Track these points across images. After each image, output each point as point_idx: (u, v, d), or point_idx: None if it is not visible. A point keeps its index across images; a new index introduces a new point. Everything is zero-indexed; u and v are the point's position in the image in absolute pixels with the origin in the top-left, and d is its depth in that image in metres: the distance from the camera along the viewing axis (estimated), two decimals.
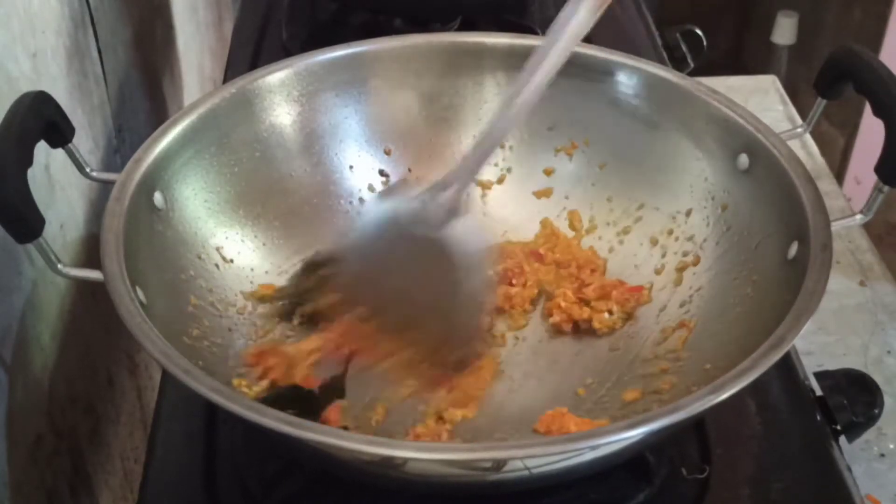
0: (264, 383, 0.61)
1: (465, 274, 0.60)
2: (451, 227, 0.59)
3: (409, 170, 0.76)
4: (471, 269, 0.60)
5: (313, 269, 0.67)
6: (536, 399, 0.63)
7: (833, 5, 1.99)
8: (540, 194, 0.75)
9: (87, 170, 0.63)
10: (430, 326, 0.61)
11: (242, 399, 0.50)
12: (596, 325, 0.67)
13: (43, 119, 0.58)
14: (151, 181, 0.63)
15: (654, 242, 0.70)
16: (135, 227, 0.59)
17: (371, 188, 0.75)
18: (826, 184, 1.00)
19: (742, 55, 2.38)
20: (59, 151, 0.62)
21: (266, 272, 0.69)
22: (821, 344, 0.83)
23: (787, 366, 0.67)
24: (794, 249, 0.59)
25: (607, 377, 0.64)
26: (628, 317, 0.67)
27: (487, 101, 0.76)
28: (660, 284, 0.69)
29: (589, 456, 0.50)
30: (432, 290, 0.61)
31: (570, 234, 0.73)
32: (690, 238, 0.68)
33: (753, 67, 2.28)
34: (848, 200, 1.01)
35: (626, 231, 0.72)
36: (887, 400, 0.67)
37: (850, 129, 1.75)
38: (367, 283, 0.63)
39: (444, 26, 0.95)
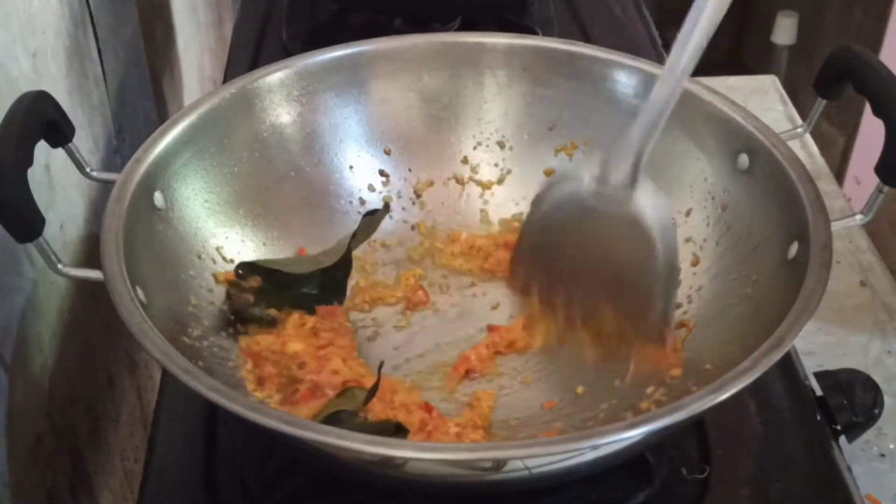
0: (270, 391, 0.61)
1: (652, 247, 0.61)
2: (632, 202, 0.61)
3: (410, 170, 0.76)
4: (658, 241, 0.61)
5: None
6: (536, 395, 0.63)
7: (833, 5, 1.99)
8: None
9: (87, 170, 0.63)
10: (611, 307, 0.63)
11: (242, 399, 0.50)
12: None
13: (43, 119, 0.58)
14: (151, 181, 0.63)
15: None
16: (135, 227, 0.59)
17: (371, 188, 0.75)
18: (826, 184, 1.00)
19: (742, 55, 2.38)
20: (59, 151, 0.62)
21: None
22: (821, 344, 0.83)
23: (787, 366, 0.67)
24: (794, 249, 0.59)
25: (606, 376, 0.64)
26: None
27: (487, 100, 0.76)
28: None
29: (589, 456, 0.50)
30: (615, 265, 0.63)
31: None
32: (690, 238, 0.68)
33: (753, 67, 2.27)
34: (848, 200, 1.01)
35: None
36: (887, 400, 0.67)
37: (850, 129, 1.75)
38: (551, 261, 0.66)
39: (444, 26, 0.95)
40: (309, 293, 0.67)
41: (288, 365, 0.62)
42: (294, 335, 0.64)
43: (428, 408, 0.60)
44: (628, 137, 0.61)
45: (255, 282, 0.65)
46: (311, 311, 0.66)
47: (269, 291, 0.65)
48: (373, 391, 0.58)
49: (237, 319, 0.65)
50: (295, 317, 0.65)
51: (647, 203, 0.61)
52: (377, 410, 0.59)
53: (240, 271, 0.66)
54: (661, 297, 0.62)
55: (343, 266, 0.67)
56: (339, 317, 0.66)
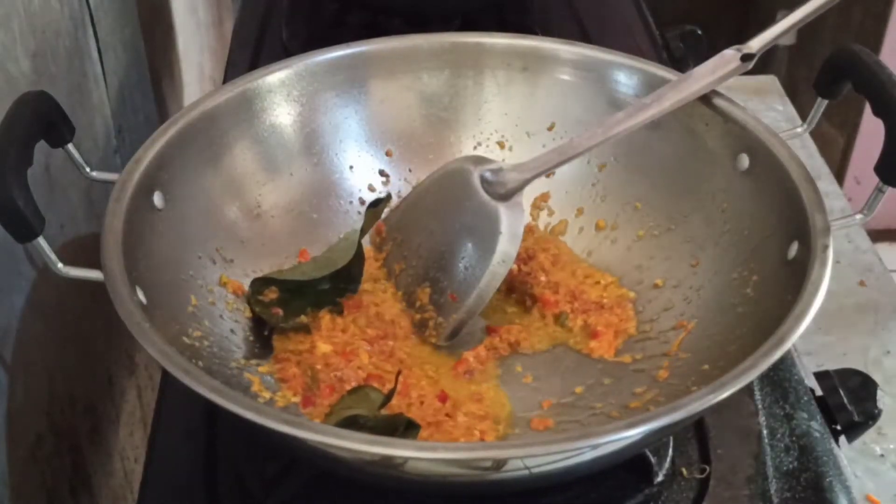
0: (287, 393, 0.62)
1: (495, 244, 0.65)
2: (499, 207, 0.65)
3: (410, 170, 0.76)
4: (502, 242, 0.65)
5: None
6: (534, 394, 0.63)
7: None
8: (540, 199, 0.75)
9: (87, 170, 0.63)
10: (439, 283, 0.67)
11: (242, 399, 0.50)
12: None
13: (43, 119, 0.58)
14: (151, 181, 0.63)
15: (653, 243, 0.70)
16: (135, 227, 0.59)
17: (371, 188, 0.75)
18: (826, 184, 1.00)
19: None
20: (59, 151, 0.62)
21: (266, 272, 0.69)
22: (821, 344, 0.83)
23: (788, 366, 0.67)
24: (794, 249, 0.59)
25: (606, 377, 0.64)
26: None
27: (487, 100, 0.76)
28: (660, 285, 0.69)
29: (589, 455, 0.50)
30: (459, 244, 0.67)
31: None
32: (690, 238, 0.68)
33: (753, 67, 2.27)
34: (848, 200, 1.01)
35: (625, 231, 0.72)
36: (887, 400, 0.67)
37: (850, 129, 1.75)
38: (414, 223, 0.70)
39: (444, 26, 0.95)
40: (323, 289, 0.67)
41: (313, 365, 0.62)
42: (327, 337, 0.64)
43: (443, 397, 0.61)
44: (534, 161, 0.67)
45: (272, 293, 0.66)
46: (335, 304, 0.67)
47: (287, 299, 0.66)
48: (389, 397, 0.58)
49: (273, 331, 0.66)
50: (327, 319, 0.65)
51: (509, 214, 0.65)
52: (393, 404, 0.59)
53: (256, 287, 0.66)
54: (478, 292, 0.65)
55: (357, 262, 0.68)
56: (365, 307, 0.67)
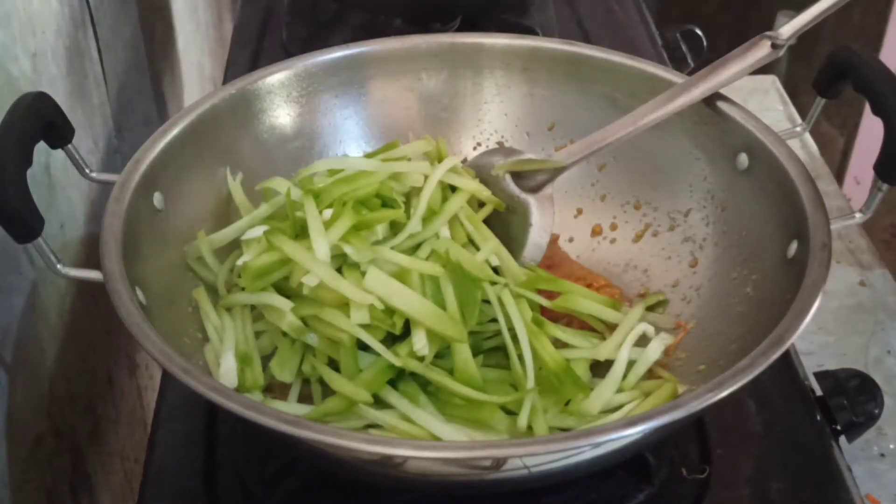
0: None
1: (523, 244, 0.67)
2: (530, 199, 0.67)
3: None
4: (533, 242, 0.67)
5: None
6: None
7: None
8: None
9: (87, 170, 0.63)
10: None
11: (242, 399, 0.50)
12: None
13: (43, 119, 0.58)
14: (151, 181, 0.63)
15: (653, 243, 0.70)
16: (135, 228, 0.59)
17: None
18: (826, 184, 1.00)
19: None
20: (59, 151, 0.62)
21: None
22: (821, 344, 0.83)
23: (787, 366, 0.67)
24: (793, 249, 0.59)
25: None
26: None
27: (487, 101, 0.76)
28: (659, 285, 0.69)
29: (588, 454, 0.50)
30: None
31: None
32: (689, 238, 0.68)
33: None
34: (848, 200, 1.01)
35: (624, 231, 0.72)
36: (887, 400, 0.67)
37: (850, 129, 1.75)
38: None
39: (443, 26, 0.95)
40: None
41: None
42: None
43: None
44: (563, 152, 0.68)
45: None
46: None
47: None
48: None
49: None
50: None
51: (539, 206, 0.67)
52: None
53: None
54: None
55: None
56: None
